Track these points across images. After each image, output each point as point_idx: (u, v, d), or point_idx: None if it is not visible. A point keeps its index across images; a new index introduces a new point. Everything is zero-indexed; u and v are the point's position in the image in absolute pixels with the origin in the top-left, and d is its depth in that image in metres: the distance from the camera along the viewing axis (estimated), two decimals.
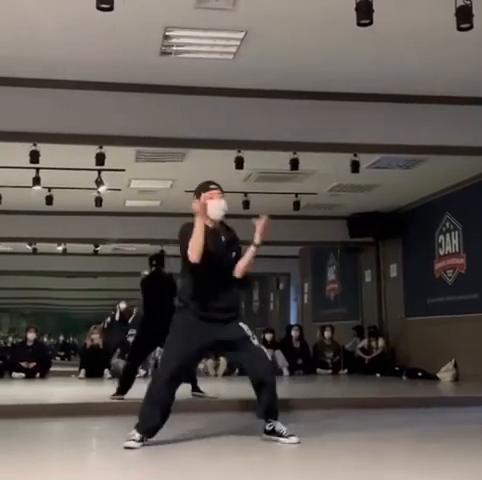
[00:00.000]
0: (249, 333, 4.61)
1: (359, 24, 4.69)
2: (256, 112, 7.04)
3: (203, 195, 4.58)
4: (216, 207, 4.63)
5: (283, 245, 14.24)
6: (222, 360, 11.76)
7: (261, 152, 7.89)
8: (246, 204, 10.76)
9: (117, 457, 4.17)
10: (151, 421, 4.42)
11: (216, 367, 11.74)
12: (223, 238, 4.69)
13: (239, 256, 4.74)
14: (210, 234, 4.55)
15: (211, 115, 7.00)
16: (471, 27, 4.66)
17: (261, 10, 5.33)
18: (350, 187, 10.60)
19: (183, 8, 5.29)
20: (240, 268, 4.69)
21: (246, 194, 10.68)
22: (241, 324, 4.63)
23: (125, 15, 5.18)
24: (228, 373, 11.63)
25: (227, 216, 4.82)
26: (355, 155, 8.16)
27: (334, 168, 9.24)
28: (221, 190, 4.71)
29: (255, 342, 4.63)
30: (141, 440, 4.35)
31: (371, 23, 4.69)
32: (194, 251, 4.45)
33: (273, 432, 4.54)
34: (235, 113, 7.03)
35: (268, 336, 12.22)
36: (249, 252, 4.75)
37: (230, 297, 4.65)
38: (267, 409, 4.60)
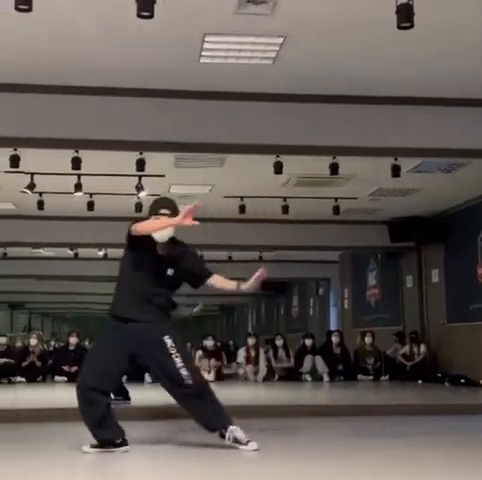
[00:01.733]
0: (172, 351, 4.46)
1: (400, 27, 4.65)
2: (295, 117, 7.02)
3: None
4: (162, 235, 4.52)
5: (323, 250, 14.22)
6: (262, 366, 11.75)
7: (300, 157, 7.87)
8: (285, 209, 10.74)
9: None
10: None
11: (256, 373, 11.72)
12: (160, 254, 4.59)
13: (184, 271, 4.63)
14: (152, 246, 4.53)
15: (250, 120, 7.00)
16: None
17: (300, 15, 5.32)
18: (391, 191, 10.49)
19: (222, 14, 5.31)
20: (216, 285, 4.69)
21: (285, 199, 10.66)
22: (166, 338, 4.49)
23: (165, 22, 5.22)
24: (268, 379, 11.61)
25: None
26: (396, 159, 8.08)
27: (374, 172, 9.16)
28: (173, 211, 4.55)
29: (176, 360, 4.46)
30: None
31: (412, 26, 4.65)
32: (142, 227, 4.41)
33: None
34: (274, 118, 7.02)
35: (308, 341, 12.16)
36: (230, 285, 4.65)
37: (151, 308, 4.53)
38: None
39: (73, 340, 11.97)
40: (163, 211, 4.55)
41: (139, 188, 9.31)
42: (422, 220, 12.00)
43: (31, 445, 4.94)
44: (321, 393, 10.14)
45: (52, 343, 14.28)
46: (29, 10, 4.30)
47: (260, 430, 5.42)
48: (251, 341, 12.19)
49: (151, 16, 4.52)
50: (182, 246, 4.70)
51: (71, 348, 11.90)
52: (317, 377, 11.60)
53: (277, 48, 5.86)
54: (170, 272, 4.56)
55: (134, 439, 4.51)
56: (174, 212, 4.52)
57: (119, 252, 15.21)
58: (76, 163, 7.83)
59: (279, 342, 12.23)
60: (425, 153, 7.66)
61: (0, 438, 5.33)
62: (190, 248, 4.78)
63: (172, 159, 8.61)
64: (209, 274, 4.70)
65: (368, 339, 12.36)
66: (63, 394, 7.83)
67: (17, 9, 4.26)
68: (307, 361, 11.77)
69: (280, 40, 5.72)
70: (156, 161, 8.22)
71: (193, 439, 4.77)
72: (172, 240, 4.61)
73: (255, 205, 10.75)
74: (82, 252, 14.57)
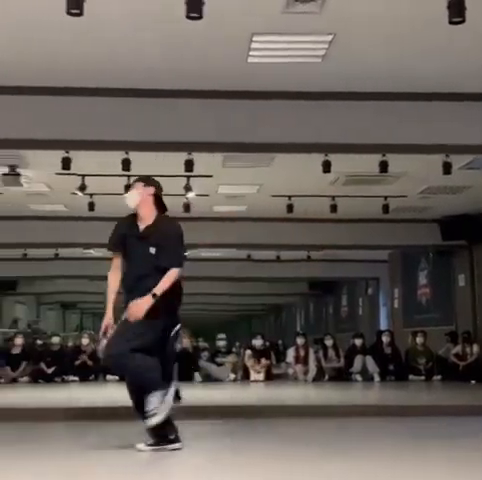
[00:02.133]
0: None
1: (451, 22, 4.58)
2: (343, 114, 6.96)
3: None
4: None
5: (372, 249, 14.09)
6: (311, 366, 11.69)
7: (349, 155, 7.81)
8: (333, 208, 10.67)
9: None
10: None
11: (305, 372, 11.67)
12: (140, 229, 4.58)
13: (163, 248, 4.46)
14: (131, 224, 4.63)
15: (298, 119, 6.97)
16: None
17: (349, 12, 5.27)
18: (441, 189, 10.32)
19: (270, 14, 5.29)
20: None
21: (333, 198, 10.59)
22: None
23: (213, 23, 5.23)
24: (318, 379, 11.55)
25: None
26: (447, 156, 7.95)
27: (425, 170, 9.02)
28: (138, 181, 4.76)
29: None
30: None
31: (463, 21, 4.57)
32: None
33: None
34: (322, 116, 6.97)
35: (358, 341, 12.05)
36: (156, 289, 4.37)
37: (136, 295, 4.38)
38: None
39: None
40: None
41: (187, 188, 9.36)
42: (474, 218, 11.78)
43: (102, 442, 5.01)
44: (372, 393, 10.03)
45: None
46: (80, 14, 4.38)
47: (319, 429, 5.42)
48: (300, 341, 12.14)
49: (200, 17, 4.54)
50: (168, 223, 4.65)
51: None
52: (368, 377, 11.49)
53: (326, 46, 5.82)
54: (152, 251, 4.47)
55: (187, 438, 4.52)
56: (139, 179, 4.79)
57: None
58: (126, 165, 7.92)
59: (329, 342, 12.15)
60: (477, 150, 7.51)
61: (59, 436, 5.43)
62: (175, 229, 4.63)
63: (220, 159, 8.64)
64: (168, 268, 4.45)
65: (420, 339, 12.17)
66: (115, 393, 7.92)
67: (69, 14, 4.34)
68: (357, 361, 11.67)
69: (329, 38, 5.67)
70: (204, 161, 8.26)
71: (245, 438, 4.77)
72: (158, 218, 4.61)
73: (303, 204, 10.70)
74: None
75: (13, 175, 8.93)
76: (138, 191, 4.64)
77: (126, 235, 4.59)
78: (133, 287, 4.44)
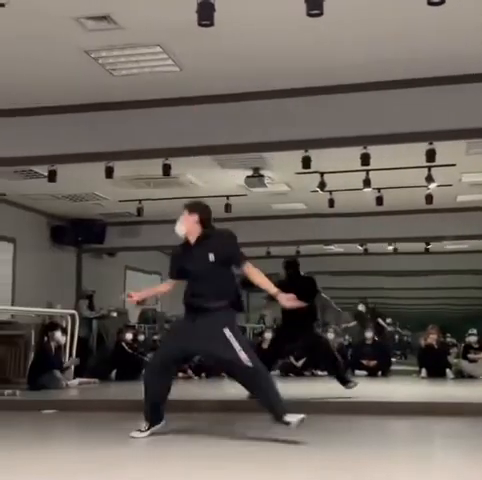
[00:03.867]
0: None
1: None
2: None
3: None
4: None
5: None
6: None
7: None
8: None
9: None
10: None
11: None
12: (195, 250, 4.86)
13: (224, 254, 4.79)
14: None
15: None
16: None
17: None
18: None
19: None
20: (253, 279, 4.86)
21: None
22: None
23: (457, 9, 4.99)
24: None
25: None
26: None
27: None
28: (184, 208, 4.91)
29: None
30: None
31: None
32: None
33: None
34: None
35: None
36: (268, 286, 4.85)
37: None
38: None
39: (369, 335, 12.03)
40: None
41: (429, 179, 9.07)
42: None
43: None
44: None
45: (346, 338, 14.58)
46: (321, 14, 4.47)
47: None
48: None
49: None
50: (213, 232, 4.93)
51: (368, 342, 12.00)
52: None
53: None
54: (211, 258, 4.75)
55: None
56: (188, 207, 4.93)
57: (409, 246, 15.01)
58: (365, 159, 7.87)
59: None
60: None
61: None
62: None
63: (463, 146, 8.23)
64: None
65: None
66: (365, 388, 7.91)
67: (309, 15, 4.47)
68: None
69: None
70: (447, 150, 7.93)
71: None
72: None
73: None
74: (371, 247, 14.66)
75: (257, 177, 9.33)
76: (184, 220, 4.89)
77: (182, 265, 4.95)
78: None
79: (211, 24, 4.65)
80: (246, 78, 6.62)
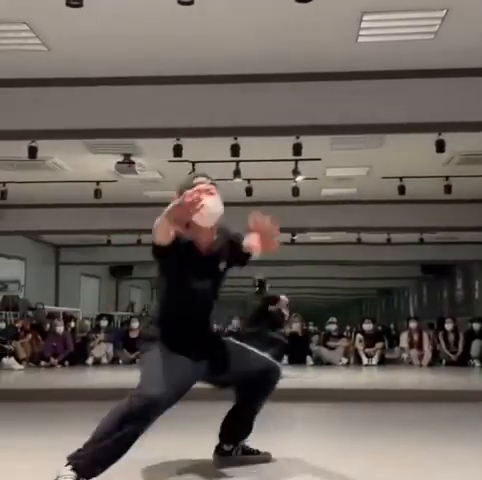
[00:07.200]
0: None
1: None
2: (458, 92, 6.70)
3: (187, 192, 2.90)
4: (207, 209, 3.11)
5: None
6: (426, 350, 11.43)
7: (464, 133, 7.52)
8: (448, 188, 10.34)
9: None
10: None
11: (420, 357, 11.42)
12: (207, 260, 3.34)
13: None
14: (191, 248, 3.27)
15: (410, 98, 6.77)
16: None
17: None
18: None
19: None
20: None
21: (447, 178, 10.26)
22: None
23: (321, 4, 5.16)
24: (433, 363, 11.28)
25: None
26: None
27: None
28: (212, 183, 3.31)
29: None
30: None
31: None
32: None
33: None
34: (436, 94, 6.74)
35: (476, 326, 11.68)
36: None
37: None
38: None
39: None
40: (199, 179, 3.33)
41: (296, 172, 9.34)
42: None
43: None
44: None
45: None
46: (191, 3, 4.44)
47: (435, 414, 5.30)
48: (413, 325, 11.87)
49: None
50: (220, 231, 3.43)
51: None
52: None
53: (439, 22, 5.60)
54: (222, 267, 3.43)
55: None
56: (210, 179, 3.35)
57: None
58: (235, 150, 7.98)
59: (449, 326, 11.72)
60: None
61: None
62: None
63: (328, 142, 8.54)
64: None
65: None
66: None
67: (180, 2, 4.43)
68: (475, 346, 11.30)
69: (442, 14, 5.46)
70: (312, 145, 8.19)
71: (363, 422, 4.70)
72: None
73: (415, 186, 10.43)
74: None
75: (127, 163, 9.23)
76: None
77: None
78: None
79: (80, 5, 4.53)
80: (119, 62, 6.49)
